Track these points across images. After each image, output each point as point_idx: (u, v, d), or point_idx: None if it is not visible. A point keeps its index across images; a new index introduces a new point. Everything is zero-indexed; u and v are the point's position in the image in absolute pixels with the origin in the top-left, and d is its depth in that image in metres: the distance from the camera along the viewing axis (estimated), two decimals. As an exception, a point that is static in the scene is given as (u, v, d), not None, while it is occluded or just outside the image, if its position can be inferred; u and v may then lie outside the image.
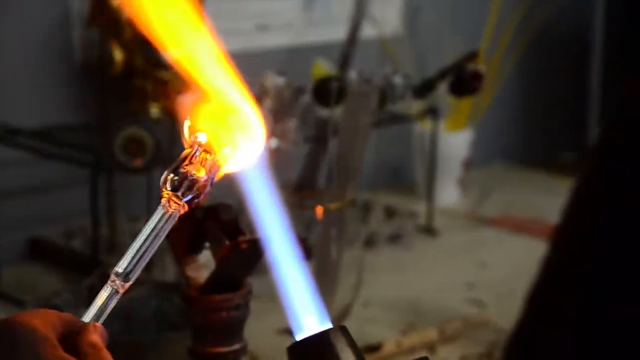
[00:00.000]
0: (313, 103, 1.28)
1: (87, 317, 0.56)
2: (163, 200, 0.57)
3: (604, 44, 1.90)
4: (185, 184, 0.56)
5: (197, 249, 0.80)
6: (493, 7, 1.87)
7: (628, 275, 0.43)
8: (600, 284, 0.43)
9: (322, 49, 1.72)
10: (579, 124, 1.98)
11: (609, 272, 0.43)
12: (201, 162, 0.57)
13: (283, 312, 0.61)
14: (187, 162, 0.57)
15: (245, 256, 0.76)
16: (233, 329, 0.78)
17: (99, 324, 0.56)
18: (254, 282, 0.79)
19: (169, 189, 0.56)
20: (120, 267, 0.57)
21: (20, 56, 1.45)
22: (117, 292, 0.57)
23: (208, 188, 0.57)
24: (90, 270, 1.28)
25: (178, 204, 0.56)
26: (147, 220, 1.00)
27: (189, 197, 0.56)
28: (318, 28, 1.78)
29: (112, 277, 0.56)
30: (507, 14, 1.89)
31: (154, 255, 1.30)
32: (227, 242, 0.76)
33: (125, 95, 1.46)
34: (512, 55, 1.91)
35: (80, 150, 1.33)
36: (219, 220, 0.77)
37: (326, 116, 1.27)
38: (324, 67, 1.52)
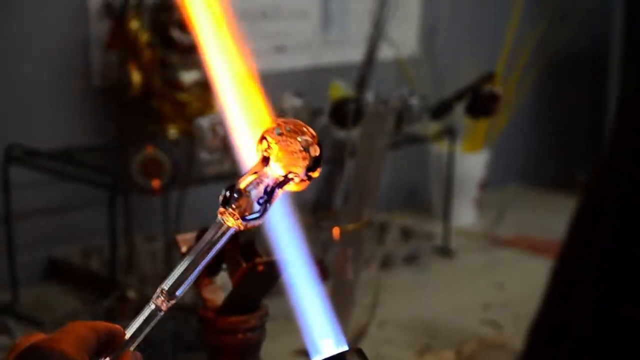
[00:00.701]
0: (330, 124, 1.29)
1: (127, 334, 0.56)
2: (219, 215, 0.56)
3: (621, 65, 1.90)
4: (244, 201, 0.55)
5: (214, 271, 0.80)
6: (510, 28, 1.87)
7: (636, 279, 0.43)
8: (609, 290, 0.43)
9: (339, 70, 1.73)
10: (595, 145, 1.98)
11: (617, 279, 0.43)
12: (265, 182, 0.57)
13: (299, 334, 0.61)
14: (253, 181, 0.56)
15: (262, 278, 0.76)
16: (249, 351, 0.79)
17: (138, 353, 0.55)
18: (269, 304, 0.79)
19: (227, 205, 0.55)
20: (167, 284, 0.56)
21: (38, 78, 1.47)
22: (160, 309, 0.56)
23: (268, 208, 0.56)
24: (108, 290, 1.29)
25: (235, 221, 0.56)
26: (165, 240, 1.01)
27: (248, 216, 0.55)
28: (335, 49, 1.79)
29: (157, 293, 0.56)
30: (524, 36, 1.89)
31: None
32: (244, 264, 0.76)
33: (143, 117, 1.48)
34: (529, 76, 1.91)
35: (98, 171, 1.34)
36: (235, 242, 0.78)
37: (343, 137, 1.27)
38: (341, 88, 1.52)
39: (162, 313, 0.56)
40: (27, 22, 1.44)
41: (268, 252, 0.76)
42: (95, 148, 1.48)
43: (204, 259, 0.57)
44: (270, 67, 1.69)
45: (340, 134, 1.32)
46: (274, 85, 1.48)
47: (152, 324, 0.56)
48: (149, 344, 1.11)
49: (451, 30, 1.90)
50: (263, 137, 0.57)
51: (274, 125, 0.57)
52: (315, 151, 0.58)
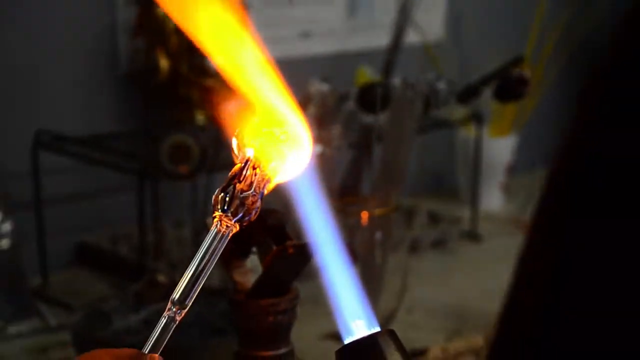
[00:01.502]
0: (357, 109, 1.29)
1: (147, 348, 0.57)
2: (215, 221, 0.57)
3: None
4: (236, 202, 0.56)
5: (244, 254, 0.80)
6: (538, 12, 1.86)
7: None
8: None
9: (364, 56, 1.73)
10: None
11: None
12: (250, 178, 0.58)
13: (327, 317, 0.61)
14: (236, 179, 0.57)
15: (292, 261, 0.76)
16: (280, 333, 0.79)
17: (159, 356, 0.56)
18: (299, 287, 0.79)
19: (219, 209, 0.56)
20: (176, 295, 0.57)
21: (66, 64, 1.47)
22: (174, 320, 0.57)
23: (259, 204, 0.57)
24: (136, 276, 1.29)
25: (230, 224, 0.57)
26: (192, 226, 1.01)
27: (240, 215, 0.56)
28: (361, 34, 1.78)
29: (169, 305, 0.57)
30: (551, 20, 1.88)
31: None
32: (274, 247, 0.77)
33: (170, 103, 1.48)
34: (557, 60, 1.90)
35: (126, 157, 1.35)
36: (265, 225, 0.78)
37: (370, 122, 1.27)
38: (367, 74, 1.52)
39: (176, 323, 0.57)
40: (55, 8, 1.45)
41: (298, 234, 0.76)
42: (123, 134, 1.48)
43: (207, 266, 0.58)
44: (296, 53, 1.69)
45: (367, 118, 1.31)
46: (300, 70, 1.48)
47: (169, 334, 0.57)
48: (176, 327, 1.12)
49: (477, 15, 1.89)
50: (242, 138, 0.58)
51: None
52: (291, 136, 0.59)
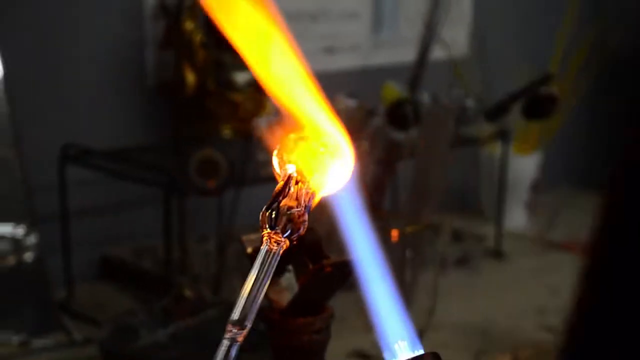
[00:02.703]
0: (384, 125, 1.28)
1: None
2: (264, 240, 0.57)
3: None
4: (283, 219, 0.56)
5: (279, 272, 0.79)
6: (563, 31, 1.85)
7: None
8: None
9: (389, 71, 1.72)
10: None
11: None
12: (295, 193, 0.57)
13: (353, 334, 0.60)
14: (281, 196, 0.57)
15: (329, 280, 0.75)
16: (314, 352, 0.78)
17: None
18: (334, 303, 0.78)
19: (268, 227, 0.56)
20: (235, 316, 0.57)
21: (94, 78, 1.48)
22: (235, 341, 0.57)
23: (306, 217, 0.57)
24: (162, 290, 1.29)
25: (280, 240, 0.56)
26: (217, 241, 0.99)
27: (289, 231, 0.56)
28: (386, 50, 1.78)
29: (229, 327, 0.57)
30: (578, 38, 1.87)
31: (223, 277, 1.30)
32: (310, 266, 0.76)
33: (197, 117, 1.48)
34: (583, 78, 1.89)
35: (154, 171, 1.34)
36: (302, 243, 0.77)
37: (398, 138, 1.26)
38: (394, 89, 1.51)
39: (238, 344, 0.57)
40: (83, 22, 1.45)
41: (339, 251, 0.75)
42: (150, 148, 1.48)
43: (262, 285, 0.58)
44: (320, 68, 1.69)
45: (396, 135, 1.31)
46: (324, 86, 1.48)
47: (232, 356, 0.57)
48: (207, 343, 1.11)
49: (502, 32, 1.89)
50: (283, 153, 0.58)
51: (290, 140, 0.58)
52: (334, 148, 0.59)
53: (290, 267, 0.80)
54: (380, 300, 0.62)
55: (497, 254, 1.65)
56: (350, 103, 1.41)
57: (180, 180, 1.25)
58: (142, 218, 1.50)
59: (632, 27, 1.89)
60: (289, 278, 0.80)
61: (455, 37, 1.83)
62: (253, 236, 0.81)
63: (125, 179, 1.39)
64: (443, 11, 1.55)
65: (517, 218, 1.80)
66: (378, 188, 1.45)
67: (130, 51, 1.50)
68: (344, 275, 0.75)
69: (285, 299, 0.79)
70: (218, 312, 1.16)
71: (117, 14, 1.48)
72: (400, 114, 1.20)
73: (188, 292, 1.16)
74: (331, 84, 1.76)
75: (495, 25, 1.88)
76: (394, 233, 1.07)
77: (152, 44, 1.50)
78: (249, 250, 0.81)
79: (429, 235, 1.10)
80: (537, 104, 1.29)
